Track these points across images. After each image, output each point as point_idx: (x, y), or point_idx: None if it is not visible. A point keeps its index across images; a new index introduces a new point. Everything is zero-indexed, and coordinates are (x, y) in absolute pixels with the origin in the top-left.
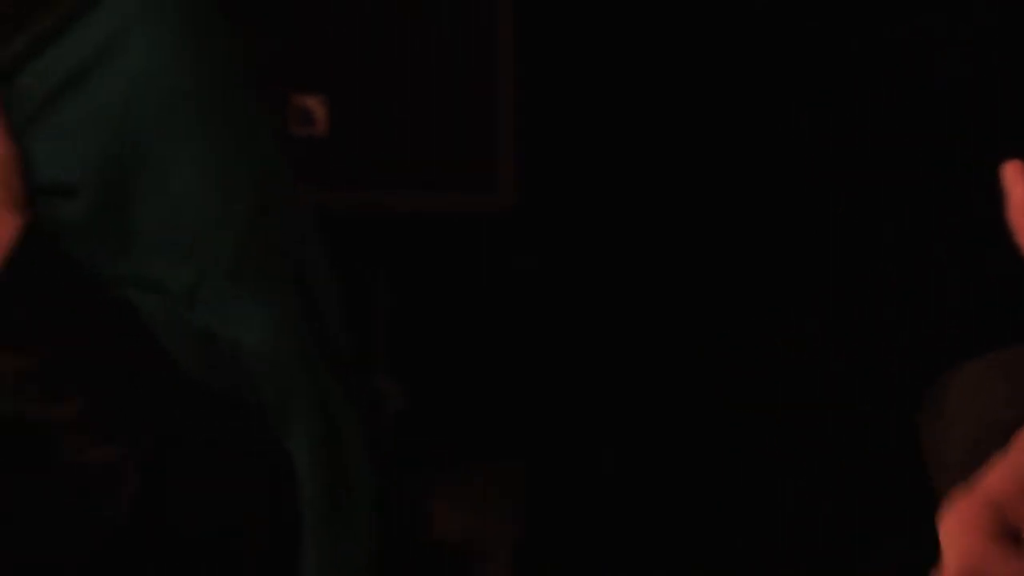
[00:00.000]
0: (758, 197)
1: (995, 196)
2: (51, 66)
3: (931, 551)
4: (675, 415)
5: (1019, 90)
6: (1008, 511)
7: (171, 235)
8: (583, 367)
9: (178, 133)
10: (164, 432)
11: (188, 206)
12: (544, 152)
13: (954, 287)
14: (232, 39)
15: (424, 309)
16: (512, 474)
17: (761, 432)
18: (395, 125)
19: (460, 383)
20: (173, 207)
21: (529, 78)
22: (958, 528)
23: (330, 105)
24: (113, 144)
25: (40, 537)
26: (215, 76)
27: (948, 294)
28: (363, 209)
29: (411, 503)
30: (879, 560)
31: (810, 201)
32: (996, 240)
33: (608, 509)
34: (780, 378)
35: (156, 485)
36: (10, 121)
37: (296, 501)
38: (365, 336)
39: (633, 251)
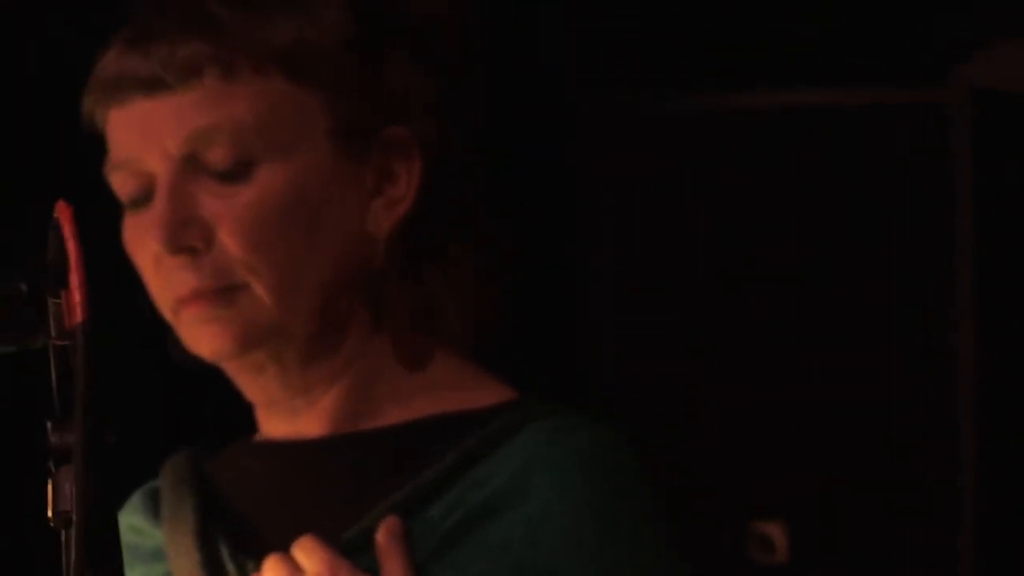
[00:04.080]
0: None
1: None
2: (455, 503)
3: None
4: None
5: None
6: None
7: None
8: None
9: None
10: None
11: None
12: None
13: None
14: (642, 485)
15: None
16: None
17: None
18: (855, 550)
19: None
20: None
21: (987, 495)
22: None
23: (790, 531)
24: None
25: None
26: (615, 526)
27: None
28: None
29: None
30: None
31: None
32: None
33: None
34: None
35: None
36: (414, 557)
37: None
38: None
39: None
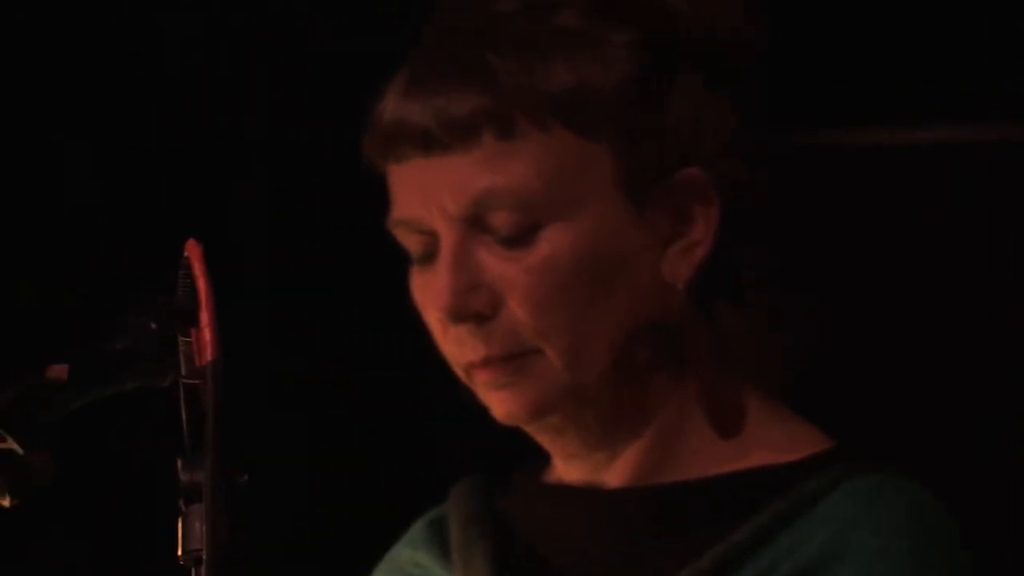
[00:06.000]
0: None
1: None
2: (767, 568)
3: None
4: None
5: None
6: None
7: None
8: None
9: None
10: None
11: None
12: None
13: None
14: (964, 552)
15: None
16: None
17: None
18: None
19: None
20: None
21: None
22: None
23: None
24: None
25: None
26: None
27: None
28: None
29: None
30: None
31: None
32: None
33: None
34: None
35: None
36: None
37: None
38: None
39: None
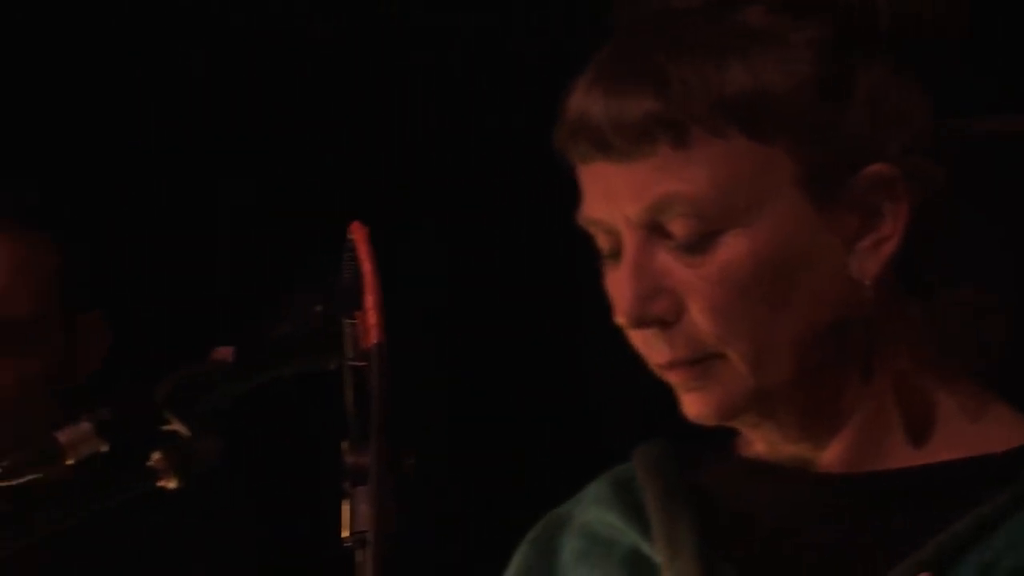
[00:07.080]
0: None
1: None
2: (989, 564)
3: None
4: None
5: None
6: None
7: None
8: None
9: None
10: None
11: None
12: None
13: None
14: None
15: None
16: None
17: None
18: None
19: None
20: None
21: None
22: None
23: None
24: None
25: None
26: None
27: None
28: None
29: None
30: None
31: None
32: None
33: None
34: None
35: None
36: None
37: None
38: None
39: None
